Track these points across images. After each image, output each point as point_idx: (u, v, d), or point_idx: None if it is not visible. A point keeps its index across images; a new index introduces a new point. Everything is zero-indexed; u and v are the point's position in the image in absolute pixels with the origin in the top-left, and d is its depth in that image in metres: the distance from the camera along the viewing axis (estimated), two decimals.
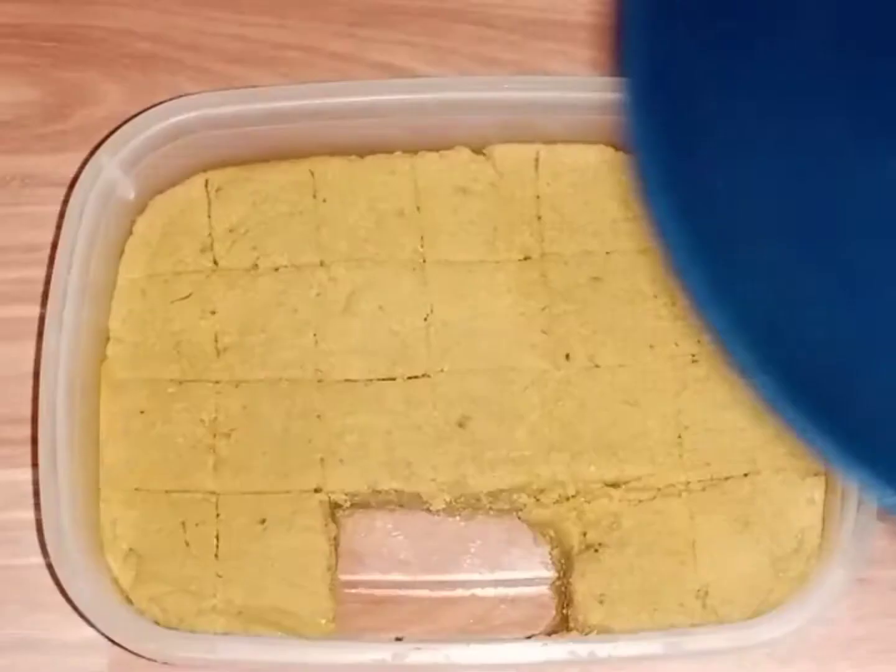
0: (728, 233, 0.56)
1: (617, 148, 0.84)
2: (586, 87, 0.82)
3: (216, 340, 0.82)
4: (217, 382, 0.81)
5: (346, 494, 0.80)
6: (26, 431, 0.84)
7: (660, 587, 0.78)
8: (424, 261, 0.83)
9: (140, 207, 0.83)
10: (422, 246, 0.83)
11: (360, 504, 0.81)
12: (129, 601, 0.78)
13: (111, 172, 0.80)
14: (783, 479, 0.79)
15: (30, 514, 0.84)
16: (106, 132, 0.86)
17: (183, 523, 0.79)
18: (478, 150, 0.84)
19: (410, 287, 0.82)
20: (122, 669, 0.82)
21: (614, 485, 0.80)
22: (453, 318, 0.82)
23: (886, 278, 0.57)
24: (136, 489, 0.80)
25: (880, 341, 0.56)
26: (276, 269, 0.83)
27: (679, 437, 0.80)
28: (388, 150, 0.84)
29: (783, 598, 0.77)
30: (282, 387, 0.81)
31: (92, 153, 0.82)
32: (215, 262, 0.83)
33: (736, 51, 0.58)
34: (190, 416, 0.81)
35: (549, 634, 0.80)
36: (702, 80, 0.58)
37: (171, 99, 0.82)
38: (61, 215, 0.82)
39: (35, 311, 0.86)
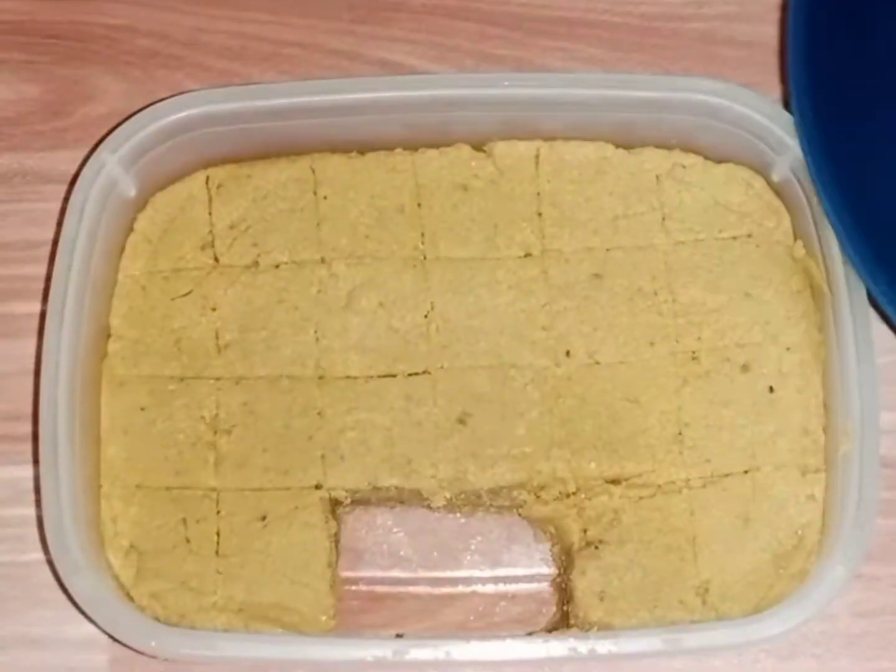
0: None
1: (617, 144, 0.84)
2: (586, 83, 0.81)
3: (217, 337, 0.82)
4: (218, 379, 0.81)
5: (346, 491, 0.80)
6: (27, 428, 0.84)
7: (660, 584, 0.78)
8: (425, 257, 0.83)
9: (141, 204, 0.83)
10: (422, 243, 0.83)
11: (361, 501, 0.81)
12: (130, 598, 0.78)
13: (112, 169, 0.80)
14: (783, 476, 0.79)
15: (31, 511, 0.84)
16: (106, 129, 0.86)
17: (184, 520, 0.79)
18: (478, 147, 0.84)
19: (411, 284, 0.82)
20: (122, 666, 0.82)
21: (615, 481, 0.80)
22: (454, 315, 0.82)
23: None
24: (137, 486, 0.80)
25: None
26: (277, 266, 0.83)
27: (679, 433, 0.80)
28: (389, 146, 0.84)
29: (783, 595, 0.77)
30: (282, 384, 0.81)
31: (93, 150, 0.82)
32: (216, 259, 0.83)
33: None
34: (190, 413, 0.81)
35: (549, 631, 0.80)
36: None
37: (171, 96, 0.82)
38: (62, 212, 0.82)
39: (36, 307, 0.86)
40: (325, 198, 0.83)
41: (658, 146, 0.84)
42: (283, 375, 0.81)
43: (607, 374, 0.81)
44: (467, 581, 0.83)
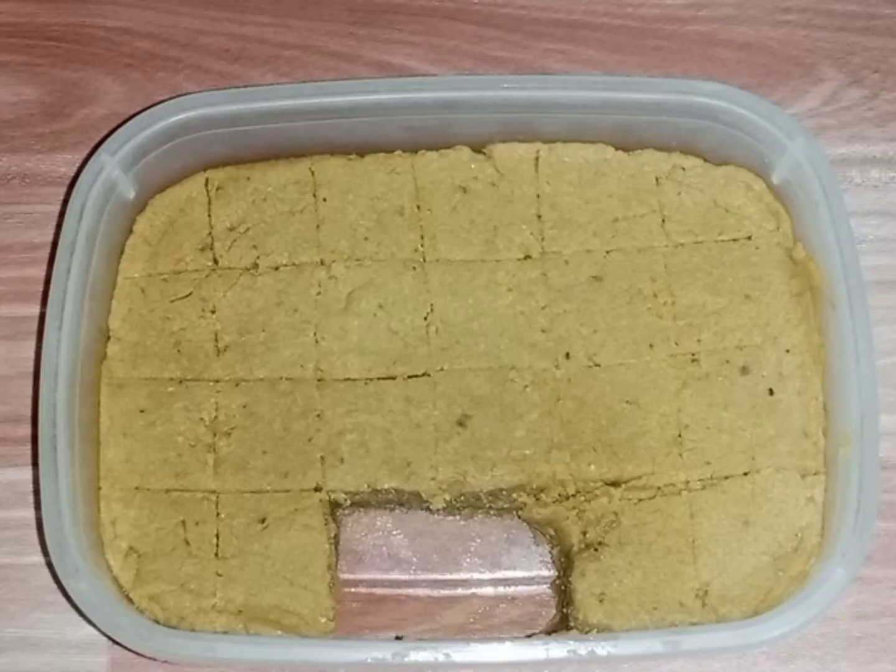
0: None
1: (616, 147, 0.84)
2: (586, 85, 0.82)
3: (216, 339, 0.82)
4: (217, 381, 0.81)
5: (346, 493, 0.80)
6: (26, 430, 0.84)
7: (659, 586, 0.78)
8: (424, 259, 0.83)
9: (140, 206, 0.83)
10: (422, 245, 0.83)
11: (360, 503, 0.81)
12: (130, 600, 0.78)
13: (111, 171, 0.80)
14: (783, 478, 0.79)
15: (30, 513, 0.84)
16: (106, 131, 0.86)
17: (183, 522, 0.79)
18: (478, 149, 0.84)
19: (410, 286, 0.82)
20: (122, 668, 0.82)
21: (614, 484, 0.80)
22: (453, 317, 0.82)
23: None
24: (136, 488, 0.80)
25: None
26: (276, 268, 0.83)
27: (679, 435, 0.80)
28: (389, 148, 0.84)
29: (783, 597, 0.77)
30: (282, 386, 0.81)
31: (92, 152, 0.82)
32: (215, 261, 0.83)
33: None
34: (190, 416, 0.81)
35: (548, 633, 0.80)
36: None
37: (170, 98, 0.82)
38: (61, 214, 0.82)
39: (35, 310, 0.86)
40: (324, 200, 0.83)
41: (658, 148, 0.84)
42: (283, 377, 0.81)
43: (607, 377, 0.81)
44: (467, 583, 0.83)
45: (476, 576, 0.83)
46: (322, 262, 0.83)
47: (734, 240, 0.83)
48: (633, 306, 0.82)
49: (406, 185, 0.83)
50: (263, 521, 0.79)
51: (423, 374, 0.81)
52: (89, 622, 0.76)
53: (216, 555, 0.79)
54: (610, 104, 0.81)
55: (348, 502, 0.81)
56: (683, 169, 0.84)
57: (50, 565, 0.80)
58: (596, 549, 0.79)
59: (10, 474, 0.84)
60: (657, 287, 0.82)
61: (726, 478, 0.80)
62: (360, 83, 0.83)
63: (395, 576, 0.83)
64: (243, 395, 0.81)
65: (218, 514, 0.79)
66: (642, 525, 0.79)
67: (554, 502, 0.80)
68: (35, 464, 0.81)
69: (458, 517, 0.83)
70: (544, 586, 0.83)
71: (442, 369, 0.81)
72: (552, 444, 0.80)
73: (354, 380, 0.81)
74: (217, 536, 0.79)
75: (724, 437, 0.80)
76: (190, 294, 0.83)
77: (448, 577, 0.83)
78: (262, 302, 0.82)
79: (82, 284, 0.78)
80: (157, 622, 0.77)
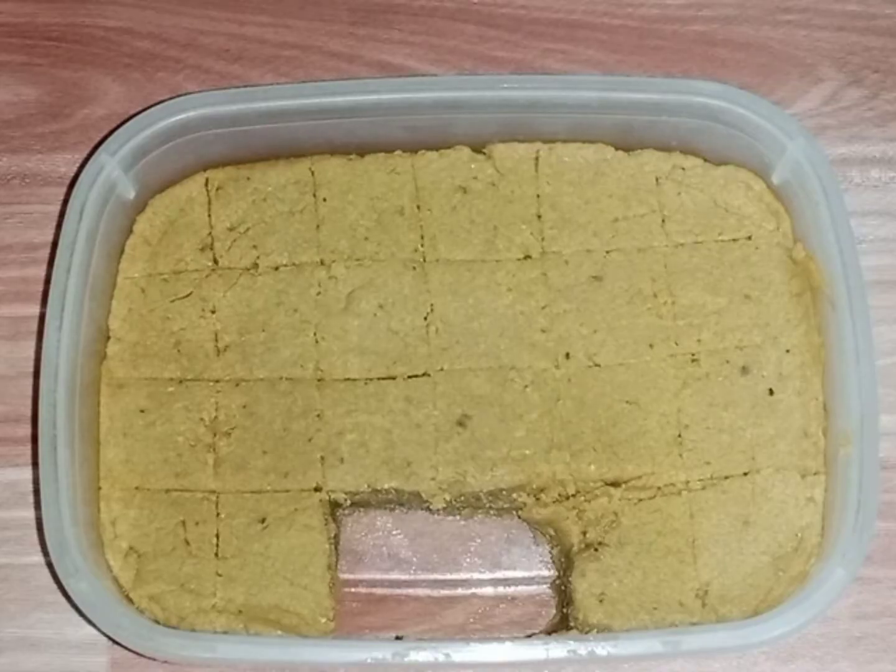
0: None
1: (616, 147, 0.84)
2: (586, 85, 0.82)
3: (216, 339, 0.82)
4: (217, 381, 0.81)
5: (345, 493, 0.80)
6: (27, 430, 0.84)
7: (659, 586, 0.78)
8: (424, 259, 0.83)
9: (140, 206, 0.83)
10: (422, 245, 0.83)
11: (361, 503, 0.81)
12: (130, 600, 0.78)
13: (111, 171, 0.80)
14: (783, 478, 0.79)
15: (30, 513, 0.84)
16: (106, 131, 0.86)
17: (183, 522, 0.79)
18: (478, 149, 0.84)
19: (410, 286, 0.82)
20: (122, 668, 0.82)
21: (614, 484, 0.80)
22: (453, 317, 0.82)
23: None
24: (136, 488, 0.80)
25: None
26: (276, 268, 0.83)
27: (679, 435, 0.80)
28: (389, 148, 0.84)
29: (783, 597, 0.77)
30: (282, 386, 0.81)
31: (92, 152, 0.82)
32: (215, 261, 0.83)
33: None
34: (190, 416, 0.81)
35: (548, 633, 0.80)
36: None
37: (171, 98, 0.82)
38: (61, 214, 0.82)
39: (35, 310, 0.86)
40: (324, 200, 0.83)
41: (658, 148, 0.84)
42: (283, 377, 0.81)
43: (607, 376, 0.81)
44: (467, 583, 0.83)
45: (476, 576, 0.83)
46: (322, 262, 0.83)
47: (734, 240, 0.83)
48: (633, 306, 0.82)
49: (406, 185, 0.83)
50: (263, 521, 0.79)
51: (423, 374, 0.81)
52: (89, 622, 0.76)
53: (216, 555, 0.79)
54: (610, 104, 0.81)
55: (348, 502, 0.81)
56: (683, 169, 0.84)
57: (50, 565, 0.80)
58: (596, 549, 0.79)
59: (10, 474, 0.84)
60: (657, 287, 0.82)
61: (726, 478, 0.80)
62: (360, 83, 0.83)
63: (395, 576, 0.83)
64: (243, 395, 0.81)
65: (218, 514, 0.80)
66: (642, 525, 0.79)
67: (554, 502, 0.80)
68: (35, 464, 0.81)
69: (458, 517, 0.83)
70: (544, 586, 0.83)
71: (442, 369, 0.81)
72: (552, 444, 0.80)
73: (354, 380, 0.81)
74: (217, 536, 0.79)
75: (724, 437, 0.80)
76: (190, 294, 0.83)
77: (448, 577, 0.83)
78: (262, 302, 0.82)
79: (82, 284, 0.78)
80: (157, 622, 0.77)
